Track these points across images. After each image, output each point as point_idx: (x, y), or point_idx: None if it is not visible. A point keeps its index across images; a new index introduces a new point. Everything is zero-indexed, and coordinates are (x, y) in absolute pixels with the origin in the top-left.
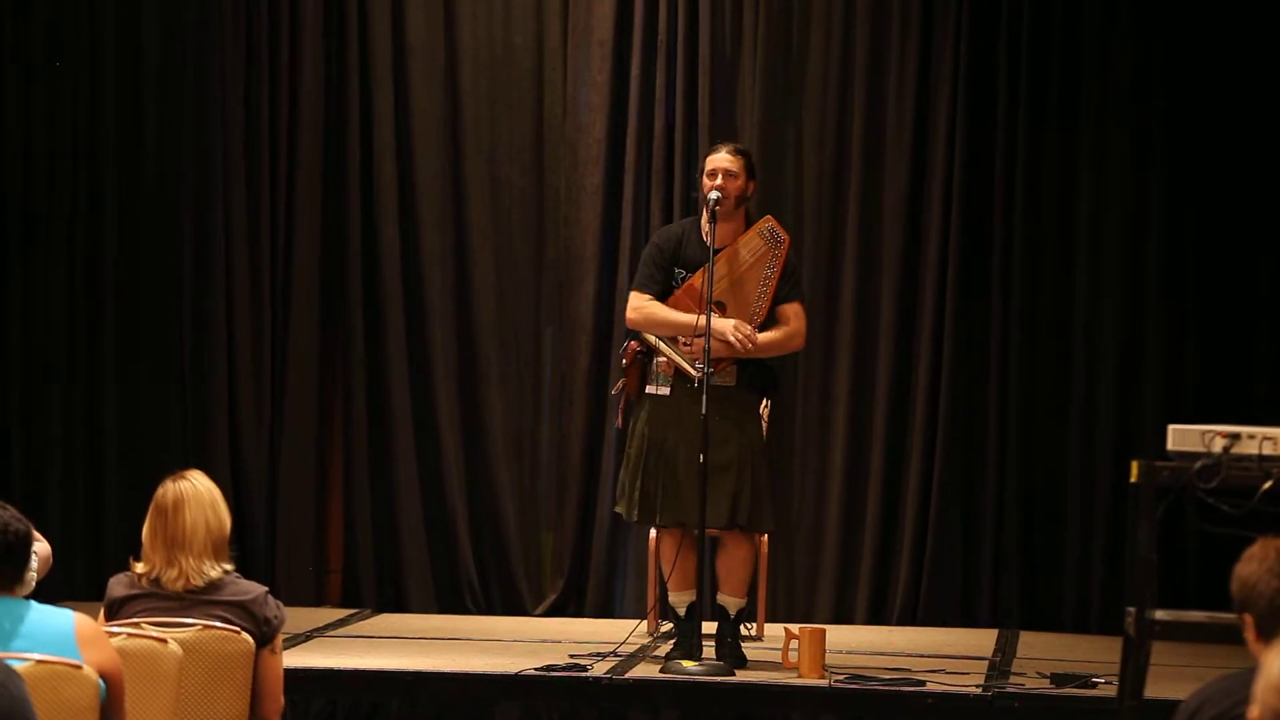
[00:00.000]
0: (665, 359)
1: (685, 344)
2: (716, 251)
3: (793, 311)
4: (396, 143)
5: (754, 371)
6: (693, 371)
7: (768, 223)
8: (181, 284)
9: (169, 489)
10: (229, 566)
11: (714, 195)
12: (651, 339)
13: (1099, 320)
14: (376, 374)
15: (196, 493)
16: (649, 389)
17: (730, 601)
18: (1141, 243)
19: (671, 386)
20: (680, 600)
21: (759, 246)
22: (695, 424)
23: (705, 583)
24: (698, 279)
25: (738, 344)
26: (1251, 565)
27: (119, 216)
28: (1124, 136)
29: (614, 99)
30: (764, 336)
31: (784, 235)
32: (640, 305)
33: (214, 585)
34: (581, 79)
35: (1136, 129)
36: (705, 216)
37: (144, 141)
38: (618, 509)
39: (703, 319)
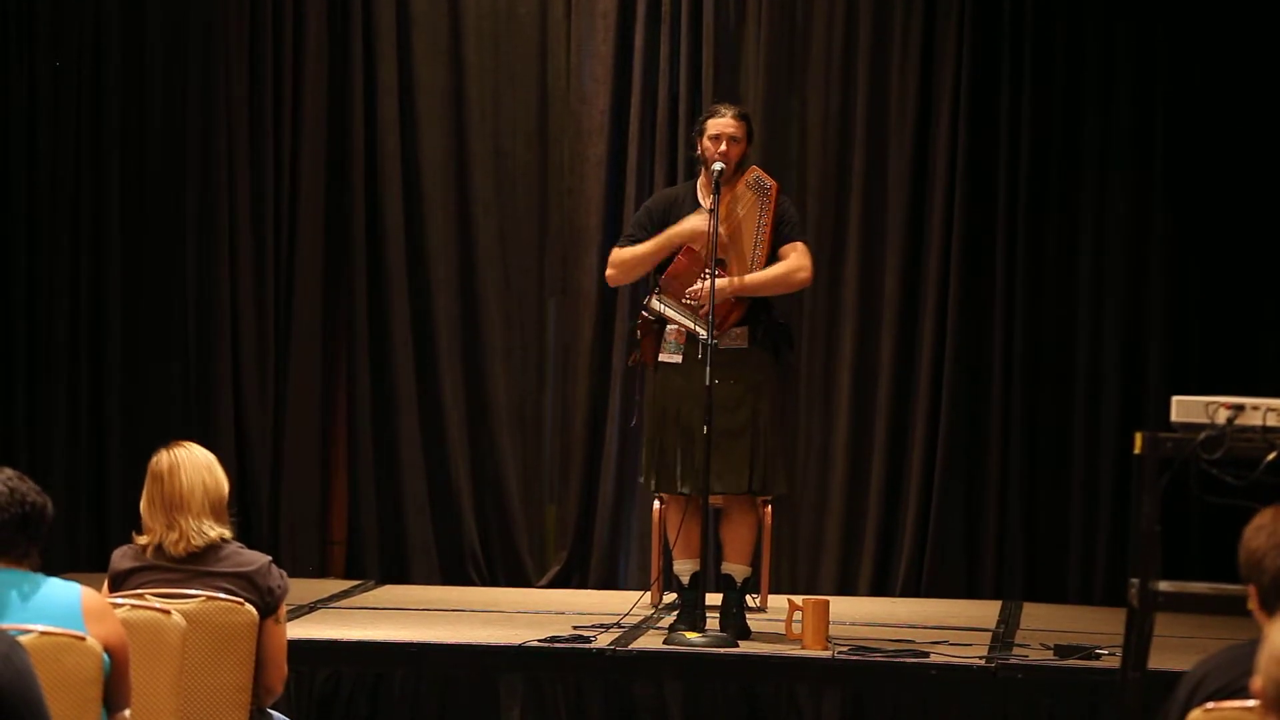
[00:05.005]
0: (676, 326)
1: (688, 300)
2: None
3: (792, 250)
4: (400, 115)
5: (766, 330)
6: (701, 332)
7: (753, 173)
8: (186, 257)
9: (163, 456)
10: (228, 533)
11: (719, 166)
12: (659, 307)
13: (1103, 291)
14: (380, 346)
15: (191, 456)
16: (662, 357)
17: (736, 569)
18: (1146, 213)
19: (683, 353)
20: (684, 569)
21: (748, 198)
22: (710, 390)
23: (709, 553)
24: (696, 243)
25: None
26: (1260, 537)
27: (123, 191)
28: (1130, 108)
29: (617, 70)
30: (759, 274)
31: (770, 181)
32: (613, 259)
33: (217, 555)
34: (585, 50)
35: (1142, 99)
36: (705, 180)
37: (148, 114)
38: (641, 480)
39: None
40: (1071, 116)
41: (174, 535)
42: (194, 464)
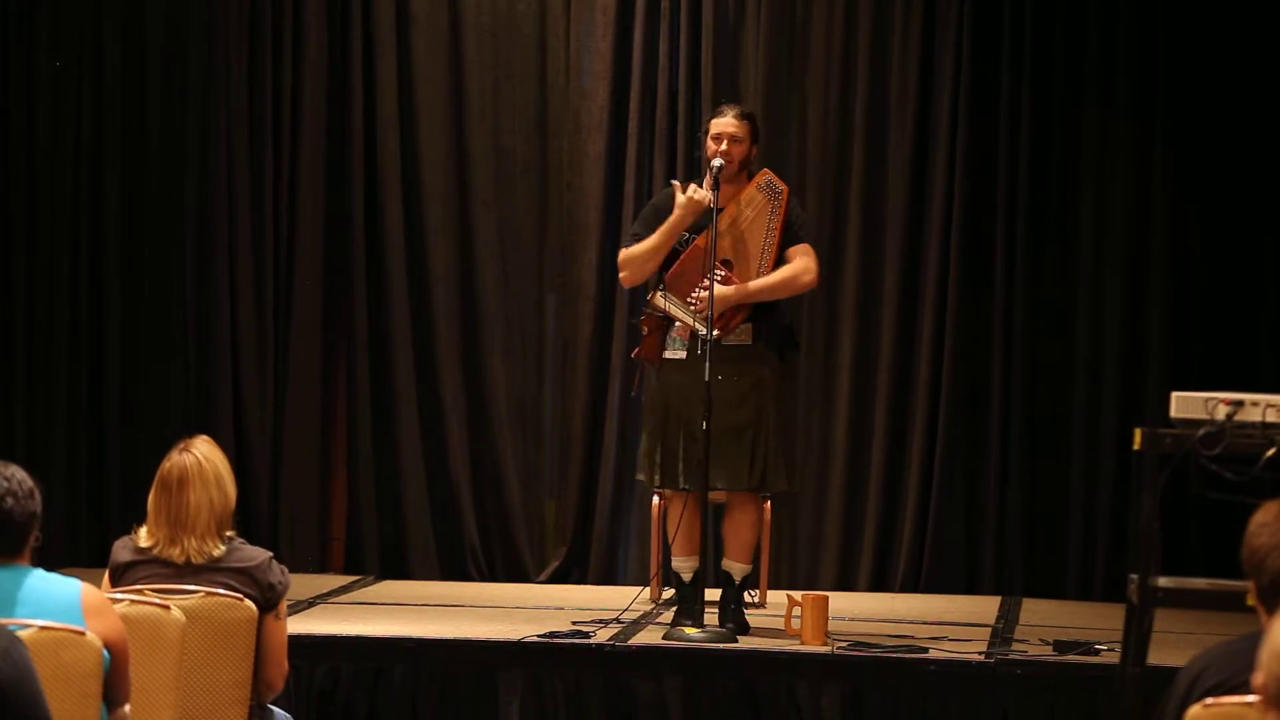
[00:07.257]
0: (680, 323)
1: (691, 303)
2: (718, 212)
3: (797, 252)
4: (399, 111)
5: (770, 328)
6: (702, 330)
7: (765, 175)
8: (185, 253)
9: (174, 463)
10: (230, 533)
11: (718, 163)
12: (663, 304)
13: (1103, 287)
14: (380, 341)
15: (201, 471)
16: (667, 353)
17: (735, 567)
18: (1146, 209)
19: (688, 350)
20: (684, 565)
21: (759, 200)
22: (710, 386)
23: (709, 549)
24: (702, 240)
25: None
26: (1263, 535)
27: (123, 190)
28: (1130, 102)
29: (617, 66)
30: (763, 280)
31: (782, 186)
32: (622, 259)
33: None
34: (584, 46)
35: (1142, 94)
36: (708, 180)
37: (147, 114)
38: (639, 476)
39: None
40: (1071, 111)
41: (175, 550)
42: (203, 479)
